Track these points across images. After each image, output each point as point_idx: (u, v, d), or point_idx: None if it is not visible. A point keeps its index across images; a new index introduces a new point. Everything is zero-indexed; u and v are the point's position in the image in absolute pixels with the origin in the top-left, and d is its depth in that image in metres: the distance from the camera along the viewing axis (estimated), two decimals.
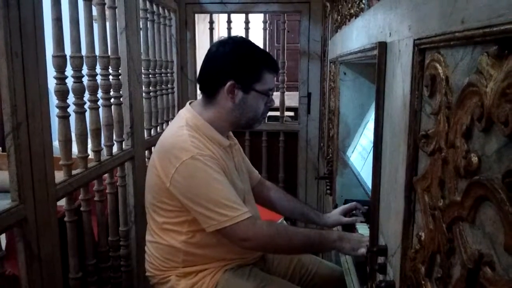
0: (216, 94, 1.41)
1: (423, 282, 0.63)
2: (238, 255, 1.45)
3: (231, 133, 1.57)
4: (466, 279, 0.48)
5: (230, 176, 1.39)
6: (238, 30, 2.80)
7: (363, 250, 1.30)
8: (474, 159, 0.47)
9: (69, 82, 1.59)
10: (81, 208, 1.73)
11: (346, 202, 1.83)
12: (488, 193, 0.43)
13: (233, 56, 1.40)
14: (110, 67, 1.93)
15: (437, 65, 0.58)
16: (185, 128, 1.36)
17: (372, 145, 0.98)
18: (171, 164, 1.30)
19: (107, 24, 1.92)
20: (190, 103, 1.49)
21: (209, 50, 1.47)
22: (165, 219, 1.41)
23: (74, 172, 1.61)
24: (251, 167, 1.73)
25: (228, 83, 1.37)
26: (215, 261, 1.42)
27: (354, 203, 1.66)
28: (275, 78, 1.51)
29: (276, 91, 3.28)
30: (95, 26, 1.79)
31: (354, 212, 1.65)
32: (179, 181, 1.30)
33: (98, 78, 1.82)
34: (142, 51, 2.29)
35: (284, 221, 2.50)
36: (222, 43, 1.44)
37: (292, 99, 3.93)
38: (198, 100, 1.51)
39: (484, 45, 0.45)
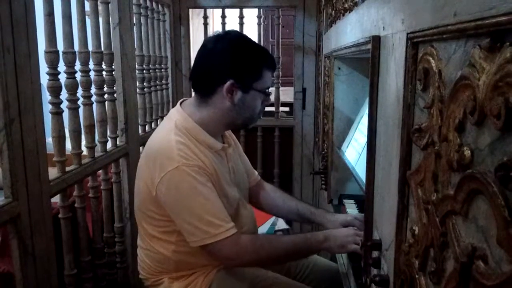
0: (212, 94, 1.34)
1: (417, 276, 0.63)
2: None
3: (227, 133, 1.51)
4: (460, 273, 0.48)
5: (220, 184, 1.33)
6: (232, 25, 2.79)
7: (354, 247, 1.27)
8: (467, 152, 0.47)
9: (62, 78, 1.58)
10: (76, 205, 1.72)
11: (341, 197, 1.83)
12: (481, 186, 0.43)
13: (232, 54, 1.32)
14: (103, 62, 1.92)
15: (430, 58, 0.58)
16: (173, 133, 1.30)
17: (366, 139, 0.98)
18: (156, 173, 1.25)
19: (100, 19, 1.90)
20: (181, 103, 1.42)
21: (203, 46, 1.39)
22: (153, 227, 1.37)
23: (68, 168, 1.60)
24: (250, 169, 1.68)
25: (228, 83, 1.30)
26: (208, 265, 1.39)
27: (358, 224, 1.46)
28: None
29: (271, 86, 3.27)
30: (88, 22, 1.78)
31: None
32: (163, 192, 1.25)
33: (92, 73, 1.81)
34: (135, 46, 2.28)
35: (281, 219, 2.50)
36: (219, 39, 1.35)
37: (287, 94, 3.92)
38: (190, 100, 1.44)
39: (477, 38, 0.45)
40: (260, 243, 1.33)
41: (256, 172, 1.72)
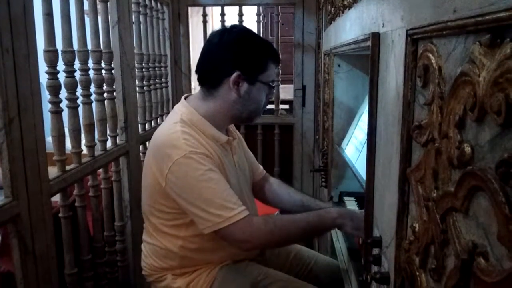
0: (218, 86, 1.36)
1: (417, 273, 0.63)
2: (237, 256, 1.43)
3: (231, 128, 1.52)
4: (460, 270, 0.48)
5: (226, 176, 1.34)
6: (231, 23, 2.78)
7: None
8: (467, 149, 0.47)
9: (61, 77, 1.58)
10: (76, 204, 1.72)
11: (341, 194, 1.83)
12: (481, 183, 0.43)
13: (239, 46, 1.35)
14: (102, 61, 1.92)
15: (430, 55, 0.58)
16: (178, 125, 1.31)
17: (366, 137, 0.98)
18: (164, 163, 1.26)
19: (99, 18, 1.90)
20: (185, 97, 1.44)
21: (210, 40, 1.41)
22: (161, 221, 1.37)
23: (67, 167, 1.60)
24: (255, 163, 1.68)
25: (234, 74, 1.32)
26: (211, 262, 1.41)
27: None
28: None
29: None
30: (87, 20, 1.77)
31: None
32: (173, 181, 1.25)
33: (91, 72, 1.81)
34: (135, 45, 2.27)
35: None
36: (225, 32, 1.38)
37: (286, 92, 3.92)
38: (195, 94, 1.46)
39: (477, 34, 0.45)
40: (273, 222, 1.33)
41: (261, 167, 1.73)
